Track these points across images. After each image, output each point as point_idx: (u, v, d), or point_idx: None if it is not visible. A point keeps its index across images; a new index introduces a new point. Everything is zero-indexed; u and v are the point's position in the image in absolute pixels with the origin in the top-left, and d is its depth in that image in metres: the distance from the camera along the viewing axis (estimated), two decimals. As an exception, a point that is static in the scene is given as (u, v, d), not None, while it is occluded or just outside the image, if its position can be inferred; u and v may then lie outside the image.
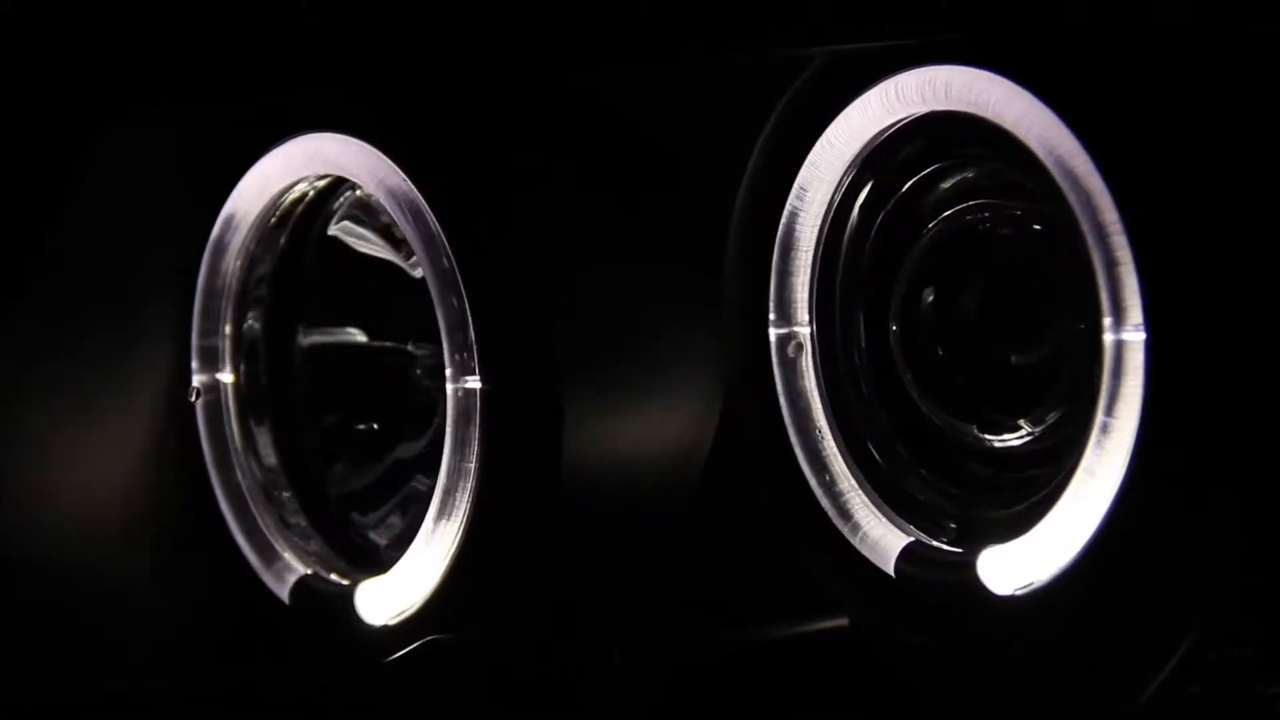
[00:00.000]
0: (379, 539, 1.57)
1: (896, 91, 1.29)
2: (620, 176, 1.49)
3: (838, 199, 1.35)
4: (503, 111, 1.48)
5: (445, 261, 1.40)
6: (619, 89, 1.47)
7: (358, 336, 1.59)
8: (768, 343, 1.38)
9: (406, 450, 1.56)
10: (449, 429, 1.41)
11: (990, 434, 1.36)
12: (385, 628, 1.47)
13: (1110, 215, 1.17)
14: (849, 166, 1.34)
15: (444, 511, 1.42)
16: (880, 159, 1.34)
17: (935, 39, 1.26)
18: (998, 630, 1.28)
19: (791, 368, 1.38)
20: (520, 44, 1.41)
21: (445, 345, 1.41)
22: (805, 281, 1.37)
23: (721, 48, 1.36)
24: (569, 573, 1.46)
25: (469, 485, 1.40)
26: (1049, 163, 1.20)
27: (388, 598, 1.47)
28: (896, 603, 1.34)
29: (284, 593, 1.55)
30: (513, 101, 1.48)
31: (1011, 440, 1.35)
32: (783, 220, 1.37)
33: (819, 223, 1.36)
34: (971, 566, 1.27)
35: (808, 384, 1.38)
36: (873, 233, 1.37)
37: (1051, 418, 1.33)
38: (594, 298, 1.45)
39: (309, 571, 1.54)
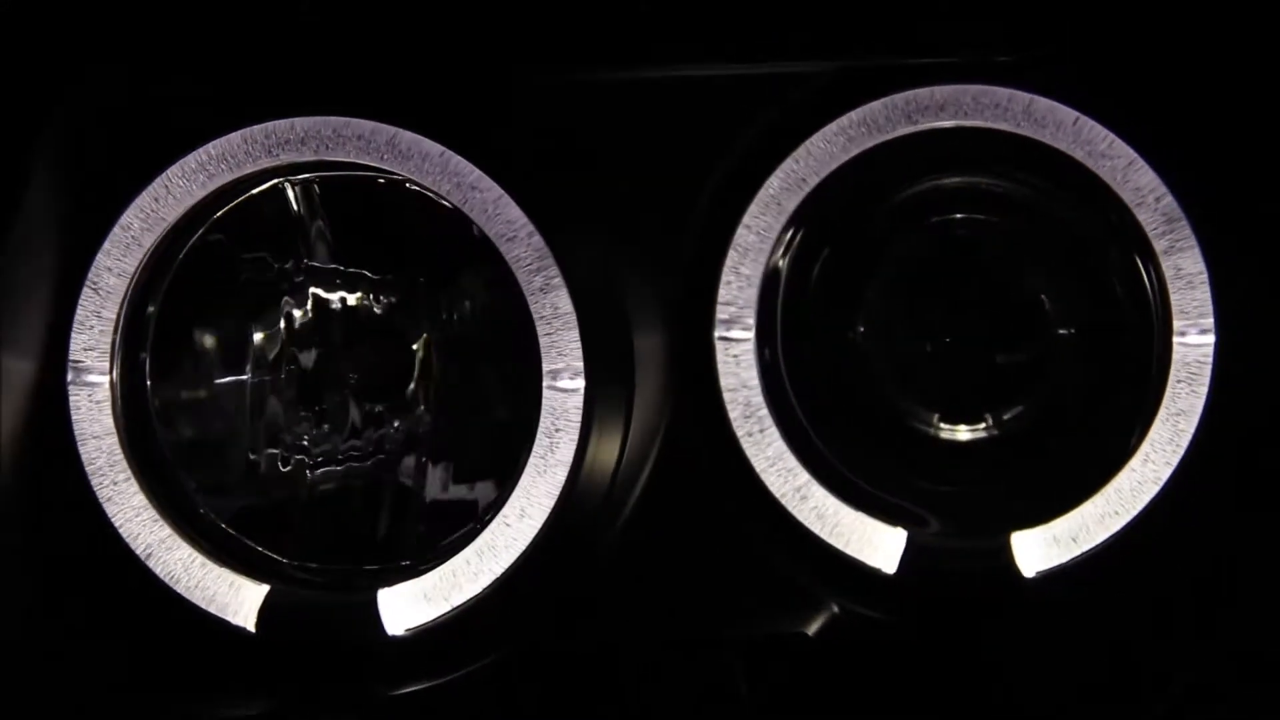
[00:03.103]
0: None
1: (904, 104, 1.45)
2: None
3: (811, 207, 1.48)
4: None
5: (548, 263, 1.42)
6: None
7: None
8: (712, 343, 1.48)
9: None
10: (543, 426, 1.42)
11: (948, 424, 1.56)
12: (404, 638, 1.44)
13: (1183, 232, 1.42)
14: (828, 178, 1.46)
15: (518, 513, 1.43)
16: (858, 170, 1.46)
17: (962, 59, 1.44)
18: (1030, 615, 1.45)
19: (737, 367, 1.48)
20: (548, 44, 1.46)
21: (544, 346, 1.42)
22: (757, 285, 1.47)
23: (724, 59, 1.47)
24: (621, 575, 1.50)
25: (555, 485, 1.42)
26: (1117, 186, 1.43)
27: (420, 604, 1.44)
28: (904, 597, 1.47)
29: (241, 616, 1.45)
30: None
31: (963, 432, 1.56)
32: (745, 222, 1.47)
33: (780, 230, 1.47)
34: (1003, 552, 1.44)
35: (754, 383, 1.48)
36: (839, 237, 1.52)
37: (1009, 414, 1.55)
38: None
39: (267, 588, 1.45)
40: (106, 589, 1.45)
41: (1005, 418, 1.55)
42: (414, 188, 1.44)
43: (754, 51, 1.47)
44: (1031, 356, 1.54)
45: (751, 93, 1.48)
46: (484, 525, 1.44)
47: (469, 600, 1.43)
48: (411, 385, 1.49)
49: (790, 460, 1.47)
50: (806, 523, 1.47)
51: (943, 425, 1.56)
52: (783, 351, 1.51)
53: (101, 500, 1.44)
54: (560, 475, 1.42)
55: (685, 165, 1.47)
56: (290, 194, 1.48)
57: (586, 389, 1.42)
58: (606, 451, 1.45)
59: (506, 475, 1.45)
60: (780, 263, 1.49)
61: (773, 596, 1.50)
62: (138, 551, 1.44)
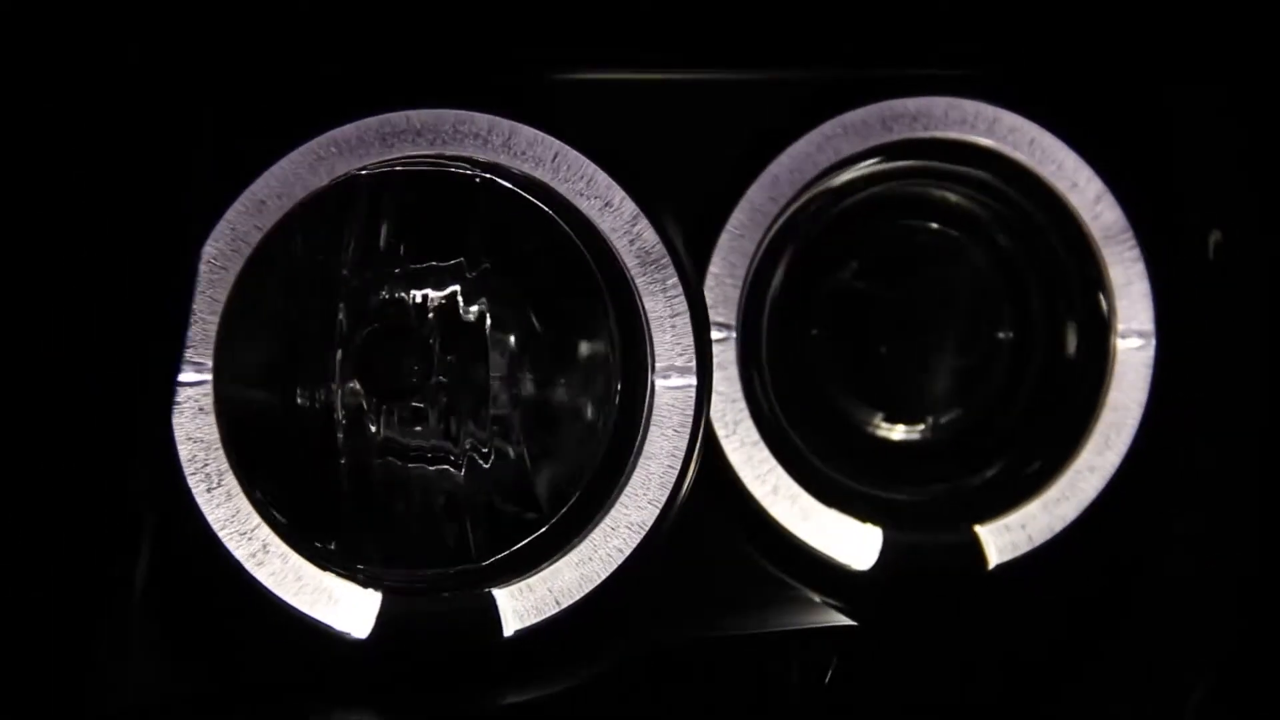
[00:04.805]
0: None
1: (880, 115, 1.55)
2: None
3: (788, 211, 1.56)
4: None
5: (663, 262, 1.46)
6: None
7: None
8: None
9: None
10: (653, 422, 1.45)
11: (889, 424, 1.69)
12: (517, 639, 1.44)
13: (1129, 244, 1.58)
14: (808, 181, 1.54)
15: (632, 504, 1.45)
16: (831, 176, 1.56)
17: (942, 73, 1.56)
18: (992, 604, 1.58)
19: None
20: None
21: (657, 343, 1.45)
22: (738, 285, 1.54)
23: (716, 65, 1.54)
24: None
25: (665, 480, 1.45)
26: (1070, 198, 1.58)
27: (536, 601, 1.44)
28: (873, 591, 1.57)
29: (348, 620, 1.41)
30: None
31: (894, 432, 1.69)
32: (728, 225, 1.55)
33: (761, 232, 1.55)
34: (969, 546, 1.58)
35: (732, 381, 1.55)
36: (811, 239, 1.61)
37: (947, 417, 1.68)
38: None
39: (377, 592, 1.42)
40: (208, 596, 1.37)
41: (957, 418, 1.69)
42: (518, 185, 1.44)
43: (740, 58, 1.54)
44: (980, 359, 1.68)
45: (739, 98, 1.55)
46: (589, 521, 1.44)
47: (582, 597, 1.44)
48: (498, 383, 1.49)
49: (766, 459, 1.56)
50: (781, 519, 1.56)
51: (892, 425, 1.68)
52: (765, 350, 1.60)
53: (201, 505, 1.36)
54: (671, 469, 1.45)
55: (675, 166, 1.51)
56: (371, 189, 1.44)
57: (699, 386, 1.44)
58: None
59: (605, 470, 1.47)
60: (759, 265, 1.56)
61: (755, 593, 1.57)
62: (239, 558, 1.37)
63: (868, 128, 1.55)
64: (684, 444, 1.45)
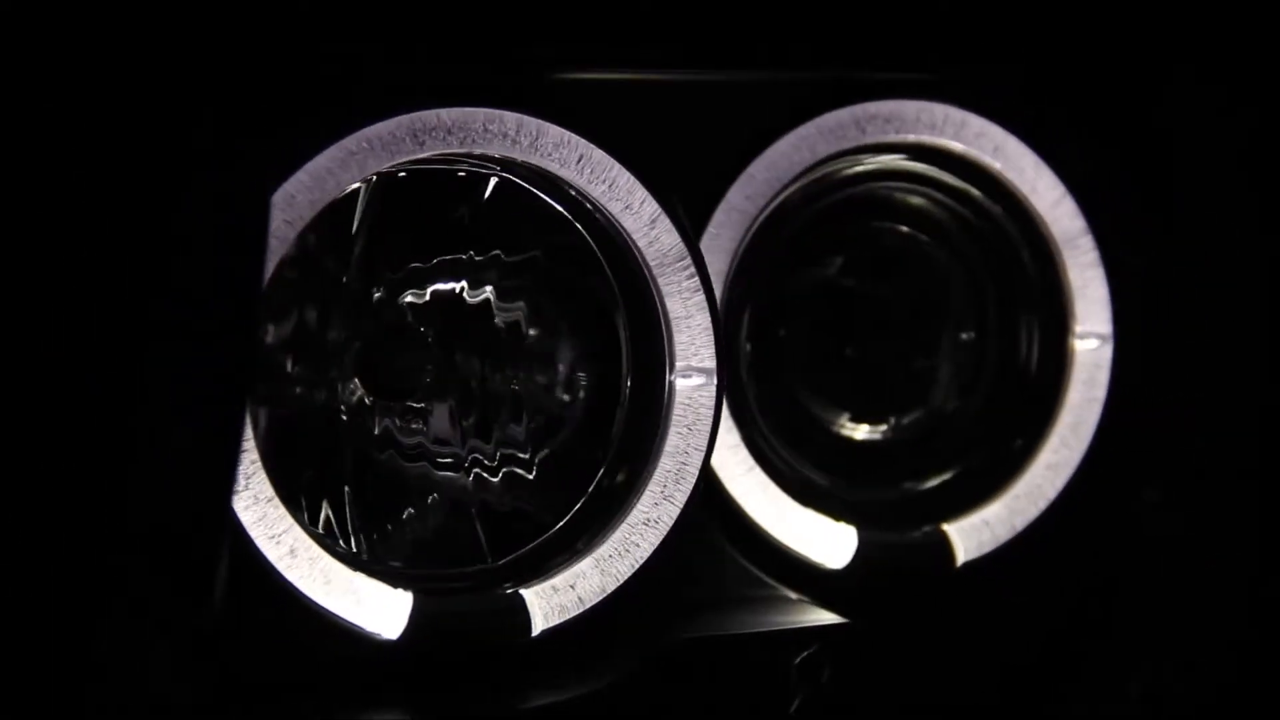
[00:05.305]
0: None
1: (855, 118, 1.57)
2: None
3: (765, 211, 1.57)
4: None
5: (684, 262, 1.46)
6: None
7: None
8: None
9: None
10: (675, 419, 1.45)
11: (854, 424, 1.71)
12: (543, 637, 1.44)
13: (1088, 248, 1.62)
14: (785, 182, 1.54)
15: (650, 502, 1.46)
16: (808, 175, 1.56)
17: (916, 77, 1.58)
18: (961, 602, 1.61)
19: None
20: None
21: (678, 343, 1.46)
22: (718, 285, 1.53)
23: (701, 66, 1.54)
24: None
25: (693, 472, 1.46)
26: (1031, 201, 1.62)
27: (561, 601, 1.44)
28: (856, 591, 1.59)
29: (378, 621, 1.39)
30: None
31: (860, 432, 1.71)
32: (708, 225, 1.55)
33: (740, 232, 1.56)
34: (941, 543, 1.61)
35: None
36: (787, 240, 1.63)
37: (910, 417, 1.71)
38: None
39: (407, 593, 1.40)
40: (239, 597, 1.34)
41: (920, 417, 1.71)
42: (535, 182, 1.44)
43: (721, 59, 1.54)
44: (943, 360, 1.71)
45: (723, 99, 1.55)
46: (609, 520, 1.45)
47: (605, 597, 1.44)
48: (508, 382, 1.48)
49: (744, 459, 1.57)
50: (759, 520, 1.58)
51: (857, 425, 1.71)
52: (744, 352, 1.62)
53: (234, 507, 1.33)
54: (689, 467, 1.45)
55: (662, 166, 1.49)
56: (383, 186, 1.42)
57: (718, 385, 1.45)
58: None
59: (618, 469, 1.47)
60: (738, 265, 1.57)
61: (733, 593, 1.58)
62: (271, 559, 1.35)
63: (843, 129, 1.56)
64: (702, 442, 1.45)
